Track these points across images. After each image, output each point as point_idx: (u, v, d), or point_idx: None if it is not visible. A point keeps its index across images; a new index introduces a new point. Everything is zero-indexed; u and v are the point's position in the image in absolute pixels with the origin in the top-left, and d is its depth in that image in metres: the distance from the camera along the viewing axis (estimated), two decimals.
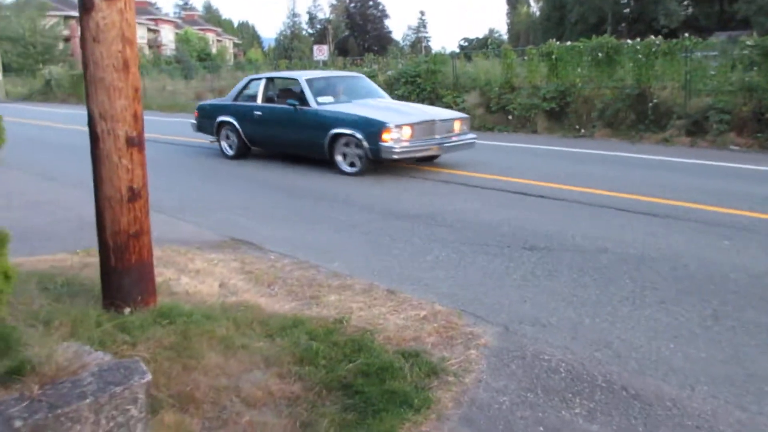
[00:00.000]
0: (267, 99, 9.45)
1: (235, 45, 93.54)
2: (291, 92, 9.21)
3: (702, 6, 41.04)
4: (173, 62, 51.90)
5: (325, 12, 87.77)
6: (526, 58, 14.52)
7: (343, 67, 19.42)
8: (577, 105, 12.87)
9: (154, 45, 76.47)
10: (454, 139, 8.42)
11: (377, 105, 8.81)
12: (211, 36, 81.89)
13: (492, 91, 14.13)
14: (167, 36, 79.15)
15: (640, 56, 12.16)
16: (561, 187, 7.13)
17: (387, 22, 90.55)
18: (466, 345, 3.21)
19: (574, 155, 9.96)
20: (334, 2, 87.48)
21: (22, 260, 4.56)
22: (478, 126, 14.18)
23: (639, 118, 11.91)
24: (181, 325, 3.18)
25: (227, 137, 9.91)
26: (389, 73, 16.95)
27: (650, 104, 11.73)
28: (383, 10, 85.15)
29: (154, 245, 5.01)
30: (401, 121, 7.84)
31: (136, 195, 3.20)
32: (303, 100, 8.68)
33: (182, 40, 70.34)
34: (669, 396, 2.75)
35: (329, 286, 4.04)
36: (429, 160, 8.80)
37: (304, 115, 8.60)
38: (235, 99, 9.96)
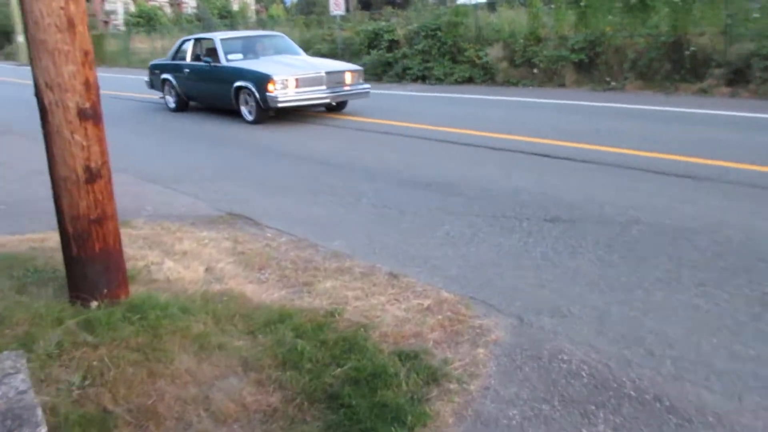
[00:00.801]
0: (194, 58, 10.50)
1: (258, 2, 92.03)
2: (212, 51, 10.15)
3: None
4: (194, 20, 51.20)
5: None
6: (553, 6, 13.65)
7: (362, 21, 18.67)
8: (607, 56, 12.05)
9: (175, 3, 75.62)
10: (345, 89, 9.36)
11: (278, 60, 9.68)
12: None
13: (517, 44, 13.34)
14: None
15: (676, 0, 11.26)
16: (588, 147, 6.57)
17: None
18: (473, 342, 2.80)
19: (604, 110, 9.30)
20: None
21: (3, 240, 4.27)
22: (501, 81, 13.51)
23: (674, 68, 11.08)
24: (153, 321, 2.83)
25: (169, 92, 11.23)
26: (409, 26, 16.17)
27: (687, 53, 10.88)
28: None
29: (148, 221, 4.73)
30: (286, 74, 8.81)
31: (94, 175, 2.81)
32: (216, 58, 9.81)
33: None
34: (712, 408, 2.32)
35: (326, 269, 3.65)
36: (334, 108, 9.86)
37: (217, 70, 9.78)
38: (173, 58, 11.16)
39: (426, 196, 5.16)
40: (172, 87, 11.03)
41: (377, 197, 5.20)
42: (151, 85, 11.93)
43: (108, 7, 66.70)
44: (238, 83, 9.25)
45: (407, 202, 5.01)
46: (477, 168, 6.00)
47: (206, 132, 9.17)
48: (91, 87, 2.74)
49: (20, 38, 35.00)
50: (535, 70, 12.97)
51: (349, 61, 16.71)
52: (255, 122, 9.17)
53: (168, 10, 68.53)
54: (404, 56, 15.45)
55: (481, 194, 5.14)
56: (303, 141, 7.94)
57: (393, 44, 16.01)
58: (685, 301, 3.17)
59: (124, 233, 4.19)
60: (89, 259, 2.87)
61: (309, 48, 17.82)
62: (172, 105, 11.19)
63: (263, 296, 3.26)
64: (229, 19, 53.87)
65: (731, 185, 5.03)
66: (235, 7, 73.65)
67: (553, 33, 13.08)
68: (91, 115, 2.75)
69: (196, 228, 4.46)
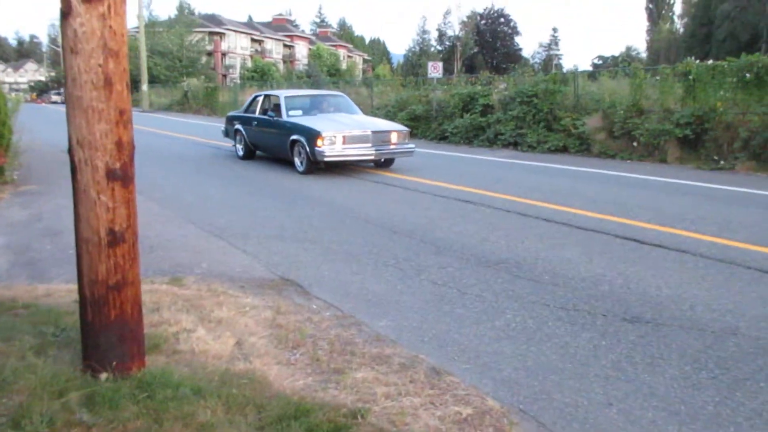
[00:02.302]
0: (262, 111, 11.56)
1: (365, 61, 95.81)
2: (276, 107, 11.10)
3: None
4: (304, 76, 53.87)
5: (454, 29, 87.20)
6: (658, 78, 12.97)
7: (458, 84, 18.66)
8: (717, 132, 11.17)
9: (288, 60, 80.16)
10: (390, 147, 10.10)
11: (331, 118, 10.48)
12: (342, 52, 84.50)
13: (616, 115, 12.72)
14: (301, 51, 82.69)
15: None
16: (686, 234, 5.90)
17: (518, 39, 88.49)
18: None
19: (709, 192, 8.49)
20: (465, 19, 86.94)
21: (53, 288, 4.26)
22: (597, 152, 12.87)
23: None
24: (159, 403, 2.59)
25: (240, 141, 12.33)
26: (505, 92, 15.93)
27: None
28: (514, 27, 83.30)
29: (199, 280, 4.60)
30: (334, 131, 9.64)
31: (117, 239, 2.66)
32: (279, 113, 10.77)
33: (314, 55, 73.01)
34: None
35: (363, 355, 3.30)
36: (385, 165, 10.62)
37: (278, 124, 10.75)
38: (246, 111, 12.35)
39: (493, 277, 4.73)
40: (243, 137, 12.12)
41: (439, 273, 4.82)
42: (226, 133, 13.09)
43: (228, 61, 71.74)
44: (293, 137, 10.17)
45: (471, 283, 4.60)
46: (556, 248, 5.50)
47: (270, 183, 9.67)
48: (123, 147, 2.62)
49: (144, 87, 38.11)
50: (635, 143, 12.25)
51: (441, 123, 16.71)
52: (304, 173, 10.01)
53: (281, 66, 72.79)
54: (498, 121, 15.16)
55: (555, 280, 4.64)
56: (377, 203, 7.73)
57: (487, 108, 15.80)
58: None
59: (169, 292, 4.08)
60: (103, 327, 2.69)
61: (404, 108, 17.99)
62: (241, 153, 12.30)
63: (286, 382, 2.95)
64: (337, 77, 56.37)
65: None
66: (344, 66, 77.20)
67: (657, 105, 12.37)
68: (120, 176, 2.62)
69: (242, 292, 4.27)
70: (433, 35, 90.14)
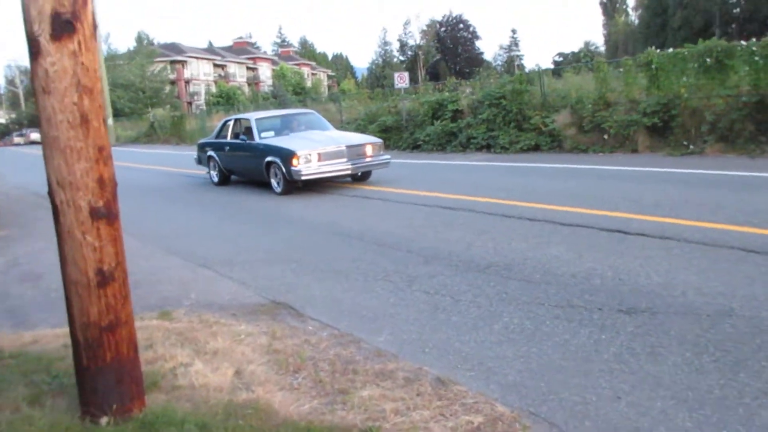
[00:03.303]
0: (234, 136, 11.53)
1: (330, 77, 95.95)
2: (248, 130, 11.03)
3: None
4: (270, 97, 53.71)
5: (415, 38, 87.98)
6: (621, 70, 13.20)
7: (425, 92, 18.78)
8: (683, 118, 11.40)
9: (253, 82, 79.92)
10: (366, 160, 10.09)
11: (304, 136, 10.47)
12: (305, 70, 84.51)
13: (584, 109, 12.90)
14: (265, 73, 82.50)
15: (757, 58, 10.59)
16: (667, 221, 5.98)
17: (478, 44, 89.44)
18: None
19: (683, 177, 8.63)
20: (425, 28, 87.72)
21: (40, 334, 4.14)
22: (570, 148, 13.02)
23: (759, 129, 10.31)
24: None
25: (213, 168, 12.29)
26: (473, 96, 16.07)
27: None
28: (474, 32, 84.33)
29: (189, 311, 4.52)
30: (309, 149, 9.61)
31: (107, 278, 2.59)
32: (251, 136, 10.71)
33: (278, 75, 72.88)
34: None
35: (366, 372, 3.26)
36: (359, 179, 10.59)
37: (251, 147, 10.67)
38: (217, 136, 12.27)
39: (484, 281, 4.73)
40: (216, 163, 12.07)
41: (431, 283, 4.80)
42: (199, 161, 13.00)
43: (192, 88, 71.29)
44: (268, 158, 10.07)
45: (463, 289, 4.59)
46: (543, 247, 5.52)
47: (248, 206, 9.65)
48: (105, 184, 2.56)
49: (110, 121, 37.61)
50: (606, 136, 12.43)
51: (413, 132, 16.77)
52: (283, 193, 9.92)
53: (246, 89, 72.53)
54: (468, 125, 15.27)
55: (546, 278, 4.65)
56: (360, 218, 7.71)
57: (457, 114, 15.91)
58: None
59: (160, 327, 3.99)
60: (100, 371, 2.62)
61: (374, 120, 18.04)
62: (216, 179, 12.23)
63: (291, 408, 2.89)
64: (303, 95, 56.28)
65: None
66: (309, 83, 77.20)
67: (623, 97, 12.58)
68: (104, 214, 2.56)
69: (235, 320, 4.20)
70: (395, 46, 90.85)
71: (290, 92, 60.39)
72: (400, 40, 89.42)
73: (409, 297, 4.54)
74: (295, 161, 9.47)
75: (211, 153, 12.27)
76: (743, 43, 11.48)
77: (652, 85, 12.15)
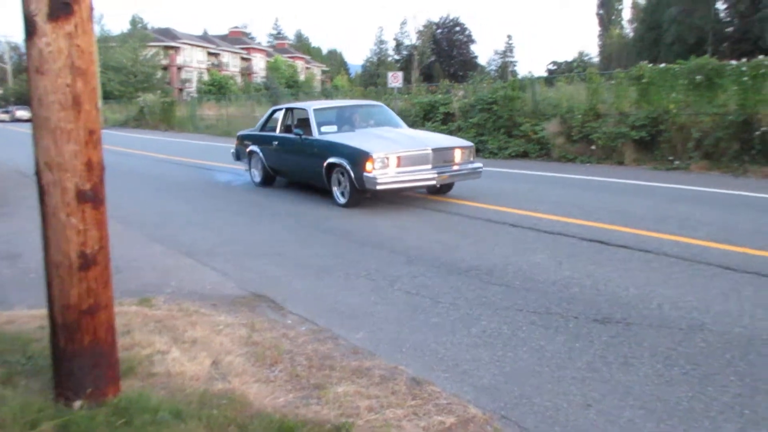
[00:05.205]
0: (285, 129, 9.61)
1: (323, 72, 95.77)
2: (304, 122, 9.12)
3: None
4: (262, 89, 53.48)
5: (411, 38, 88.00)
6: (613, 82, 13.33)
7: (418, 93, 18.83)
8: (670, 134, 11.54)
9: (246, 73, 79.57)
10: (454, 168, 8.05)
11: (376, 134, 8.48)
12: (300, 63, 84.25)
13: (574, 119, 13.02)
14: (258, 64, 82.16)
15: (745, 78, 10.76)
16: (648, 234, 6.06)
17: (473, 47, 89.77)
18: None
19: (667, 192, 8.74)
20: (422, 28, 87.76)
21: (16, 315, 4.12)
22: (557, 157, 13.13)
23: (743, 148, 10.47)
24: (138, 429, 2.53)
25: (255, 165, 10.35)
26: (464, 99, 16.15)
27: (757, 133, 10.28)
28: (469, 35, 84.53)
29: (169, 299, 4.52)
30: (387, 150, 7.61)
31: (89, 261, 2.60)
32: (308, 130, 8.74)
33: (272, 67, 72.61)
34: None
35: (343, 368, 3.29)
36: (441, 191, 8.65)
37: (308, 144, 8.67)
38: (262, 129, 10.36)
39: (465, 284, 4.77)
40: (259, 160, 10.12)
41: (412, 283, 4.84)
42: (237, 156, 10.98)
43: (184, 75, 70.82)
44: (331, 159, 8.07)
45: (444, 291, 4.63)
46: (525, 253, 5.58)
47: (234, 196, 9.15)
48: (93, 168, 2.56)
49: (99, 103, 37.20)
50: (593, 147, 12.55)
51: None
52: (348, 205, 7.96)
53: (239, 79, 72.18)
54: (459, 129, 15.34)
55: (526, 284, 4.71)
56: (345, 216, 7.73)
57: (448, 116, 15.97)
58: None
59: (139, 313, 3.99)
60: (77, 353, 2.62)
61: None
62: (258, 179, 10.25)
63: (266, 400, 2.91)
64: (295, 88, 56.11)
65: None
66: (302, 77, 76.98)
67: (613, 109, 12.71)
68: (91, 197, 2.57)
69: (215, 310, 4.21)
70: (391, 45, 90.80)
71: (283, 85, 60.14)
72: (396, 40, 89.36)
73: (390, 296, 4.57)
74: (369, 165, 7.50)
75: (253, 148, 10.22)
76: (733, 62, 11.64)
77: (642, 98, 12.29)
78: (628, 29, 67.60)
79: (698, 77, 11.41)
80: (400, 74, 18.51)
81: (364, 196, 7.97)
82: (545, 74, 40.06)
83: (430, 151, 7.82)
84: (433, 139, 8.49)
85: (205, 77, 65.95)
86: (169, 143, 20.58)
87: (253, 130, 10.79)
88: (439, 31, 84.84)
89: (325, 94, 29.39)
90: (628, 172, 10.94)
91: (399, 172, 7.61)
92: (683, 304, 4.18)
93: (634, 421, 2.79)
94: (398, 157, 7.63)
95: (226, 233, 6.89)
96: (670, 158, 11.29)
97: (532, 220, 6.90)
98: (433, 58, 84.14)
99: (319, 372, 3.26)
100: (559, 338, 3.71)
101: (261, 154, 10.04)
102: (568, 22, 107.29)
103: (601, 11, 70.42)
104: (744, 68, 10.92)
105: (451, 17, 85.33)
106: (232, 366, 3.28)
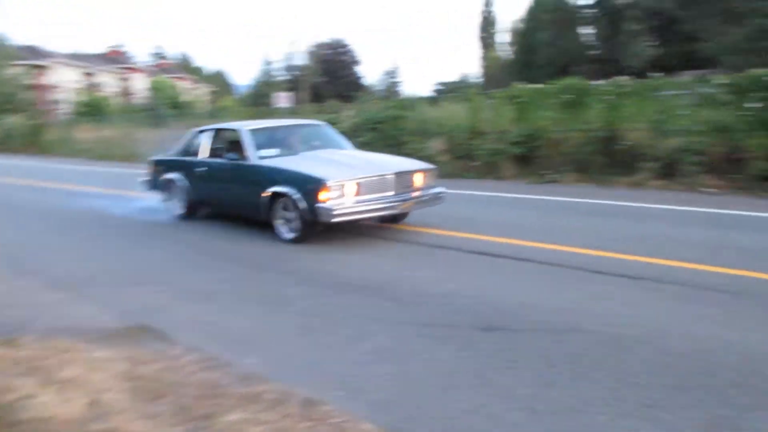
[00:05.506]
0: (213, 153, 8.29)
1: (210, 93, 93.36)
2: (236, 145, 7.91)
3: (667, 46, 41.72)
4: (143, 110, 51.16)
5: (299, 59, 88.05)
6: (493, 101, 14.06)
7: (309, 115, 18.86)
8: (545, 149, 12.32)
9: (126, 93, 75.92)
10: (414, 194, 7.16)
11: (326, 158, 7.49)
12: (184, 84, 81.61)
13: (458, 137, 13.57)
14: (138, 84, 78.65)
15: (608, 97, 11.73)
16: (525, 243, 6.41)
17: (360, 68, 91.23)
18: None
19: (543, 204, 9.31)
20: (309, 49, 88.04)
21: None
22: (443, 173, 13.56)
23: (609, 161, 11.38)
24: None
25: (174, 196, 8.82)
26: (354, 119, 16.36)
27: (620, 147, 11.22)
28: (353, 57, 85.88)
29: (38, 338, 4.18)
30: (343, 177, 6.62)
31: None
32: (243, 154, 7.59)
33: (154, 88, 69.80)
34: None
35: (233, 396, 3.20)
36: (392, 219, 7.63)
37: (243, 170, 7.54)
38: (183, 153, 8.90)
39: (357, 301, 4.81)
40: (181, 189, 8.64)
41: (303, 304, 4.82)
42: (152, 185, 9.37)
43: (56, 96, 66.37)
44: (274, 189, 6.94)
45: (336, 309, 4.65)
46: (414, 268, 5.72)
47: (108, 220, 8.69)
48: None
49: None
50: (475, 163, 13.12)
51: None
52: (297, 241, 6.85)
53: (118, 99, 68.71)
54: None
55: (416, 299, 4.82)
56: (228, 236, 7.54)
57: None
58: (631, 426, 2.86)
59: (4, 357, 3.67)
60: None
61: None
62: (179, 211, 8.73)
63: None
64: (180, 109, 54.16)
65: (669, 286, 4.87)
66: (188, 98, 74.54)
67: (493, 127, 13.38)
68: None
69: (93, 345, 3.95)
70: (279, 65, 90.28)
71: (166, 105, 57.96)
72: (284, 60, 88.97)
73: (281, 318, 4.52)
74: (323, 194, 6.50)
75: (173, 176, 8.75)
76: (598, 82, 12.68)
77: (519, 117, 13.03)
78: (507, 52, 71.62)
79: (568, 96, 12.29)
80: (287, 94, 18.47)
81: (315, 229, 6.88)
82: (432, 94, 41.50)
83: (393, 176, 6.94)
84: (392, 162, 7.66)
85: (80, 98, 62.17)
86: (39, 168, 19.18)
87: (171, 155, 9.28)
88: (326, 52, 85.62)
89: (213, 115, 28.64)
90: (507, 186, 11.51)
91: (358, 201, 6.65)
92: (561, 307, 4.46)
93: (517, 423, 2.93)
94: (357, 184, 6.66)
95: (107, 261, 6.51)
96: (545, 172, 12.04)
97: (418, 235, 7.10)
98: (321, 79, 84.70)
99: (207, 402, 3.14)
100: (447, 349, 3.83)
101: (183, 183, 8.60)
102: (452, 44, 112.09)
103: (483, 34, 74.12)
104: (607, 88, 11.91)
105: (336, 38, 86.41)
106: (113, 404, 3.09)
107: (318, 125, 9.11)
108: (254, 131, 7.90)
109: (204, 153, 8.38)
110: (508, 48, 67.42)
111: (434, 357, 3.71)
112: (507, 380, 3.36)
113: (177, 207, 8.79)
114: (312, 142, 8.25)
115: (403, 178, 7.06)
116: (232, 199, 7.97)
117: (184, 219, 8.66)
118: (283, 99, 17.88)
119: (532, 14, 51.57)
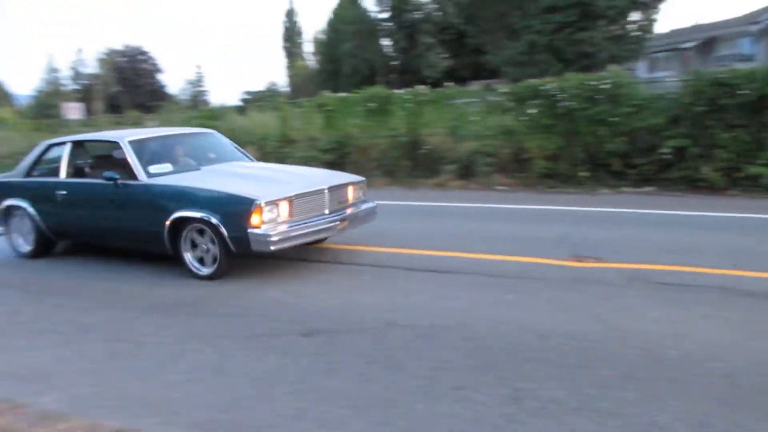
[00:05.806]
0: (76, 172, 6.71)
1: None
2: (111, 161, 6.39)
3: (458, 58, 45.44)
4: None
5: (90, 67, 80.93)
6: (302, 110, 14.20)
7: (105, 126, 17.44)
8: (355, 155, 12.74)
9: None
10: (349, 211, 6.16)
11: (240, 173, 6.22)
12: None
13: (269, 145, 13.49)
14: None
15: (409, 105, 12.46)
16: (342, 247, 6.58)
17: (162, 77, 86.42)
18: None
19: None
20: (102, 57, 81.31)
21: None
22: None
23: (414, 165, 12.10)
24: None
25: (16, 229, 7.08)
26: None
27: (422, 151, 11.99)
28: (155, 65, 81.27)
29: None
30: (276, 195, 5.44)
31: None
32: (128, 172, 6.04)
33: None
34: None
35: None
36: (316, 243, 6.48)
37: (131, 192, 5.97)
38: (28, 174, 7.06)
39: (170, 321, 4.56)
40: (32, 219, 6.84)
41: (109, 328, 4.45)
42: None
43: None
44: (181, 213, 5.59)
45: (148, 331, 4.36)
46: (226, 279, 5.55)
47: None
48: None
49: None
50: None
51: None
52: (215, 276, 5.60)
53: None
54: None
55: (232, 310, 4.71)
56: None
57: None
58: (445, 410, 3.06)
59: None
60: None
61: None
62: (26, 248, 7.00)
63: None
64: None
65: (471, 276, 5.30)
66: None
67: (303, 134, 13.51)
68: None
69: None
70: (66, 74, 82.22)
71: None
72: (72, 68, 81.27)
73: (84, 347, 4.13)
74: (255, 217, 5.27)
75: (15, 202, 6.92)
76: (399, 91, 13.42)
77: (328, 124, 13.32)
78: (312, 61, 72.67)
79: (373, 104, 12.83)
80: (78, 105, 16.93)
81: (233, 261, 5.67)
82: (240, 103, 40.66)
83: (327, 191, 5.90)
84: (321, 175, 6.54)
85: None
86: None
87: (10, 176, 7.35)
88: (122, 59, 79.82)
89: None
90: None
91: (293, 224, 5.50)
92: (378, 305, 4.64)
93: (343, 420, 3.00)
94: (289, 202, 5.52)
95: None
96: None
97: None
98: (118, 88, 78.73)
99: None
100: (270, 358, 3.79)
101: (32, 211, 6.81)
102: (258, 52, 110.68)
103: (287, 44, 74.34)
104: (407, 96, 12.65)
105: (133, 45, 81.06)
106: None
107: (209, 133, 7.70)
108: (136, 143, 6.33)
109: (63, 172, 6.68)
110: (313, 58, 68.60)
111: (256, 368, 3.65)
112: (331, 383, 3.42)
113: (21, 244, 7.10)
114: (207, 154, 6.91)
115: (337, 192, 6.11)
116: (114, 228, 6.32)
117: (35, 257, 6.96)
118: (72, 110, 16.35)
119: (332, 26, 53.18)
